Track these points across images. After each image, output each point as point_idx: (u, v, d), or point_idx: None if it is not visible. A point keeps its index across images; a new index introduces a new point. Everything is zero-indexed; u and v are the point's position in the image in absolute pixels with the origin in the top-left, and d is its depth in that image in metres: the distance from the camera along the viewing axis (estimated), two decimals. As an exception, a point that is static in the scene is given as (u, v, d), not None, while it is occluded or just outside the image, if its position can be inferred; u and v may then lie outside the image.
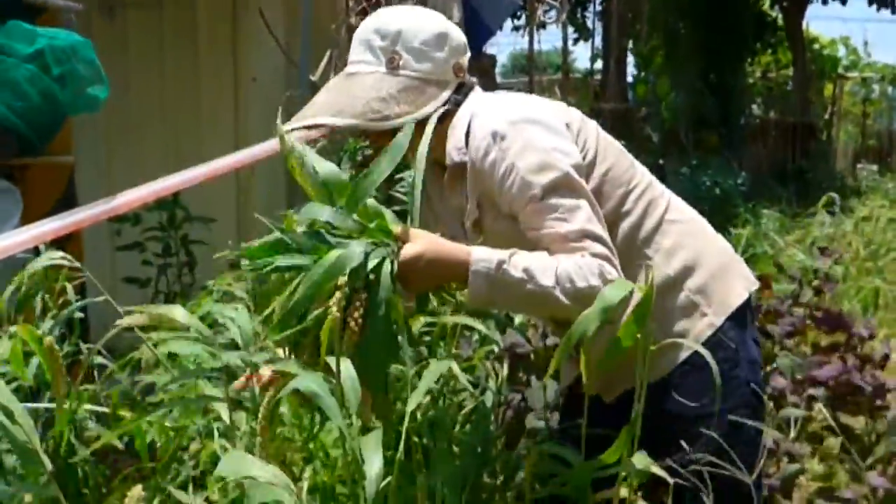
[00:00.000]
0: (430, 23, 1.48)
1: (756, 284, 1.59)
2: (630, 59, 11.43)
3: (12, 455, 1.74)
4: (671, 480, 1.20)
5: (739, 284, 1.55)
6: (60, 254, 1.55)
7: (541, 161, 1.37)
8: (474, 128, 1.42)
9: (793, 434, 2.25)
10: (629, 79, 11.45)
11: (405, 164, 1.48)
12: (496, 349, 1.99)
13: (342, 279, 1.18)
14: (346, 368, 1.16)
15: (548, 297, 1.32)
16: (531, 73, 6.22)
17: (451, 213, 1.54)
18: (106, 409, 2.20)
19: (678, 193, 1.64)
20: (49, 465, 1.25)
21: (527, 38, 6.02)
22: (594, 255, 1.34)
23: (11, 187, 2.81)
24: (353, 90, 1.44)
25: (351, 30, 3.61)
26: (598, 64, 11.04)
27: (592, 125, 1.53)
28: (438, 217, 1.60)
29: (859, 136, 16.23)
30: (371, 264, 1.23)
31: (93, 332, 3.49)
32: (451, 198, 1.52)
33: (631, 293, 1.16)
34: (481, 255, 1.33)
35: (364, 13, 3.66)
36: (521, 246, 1.39)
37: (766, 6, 13.83)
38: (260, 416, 1.22)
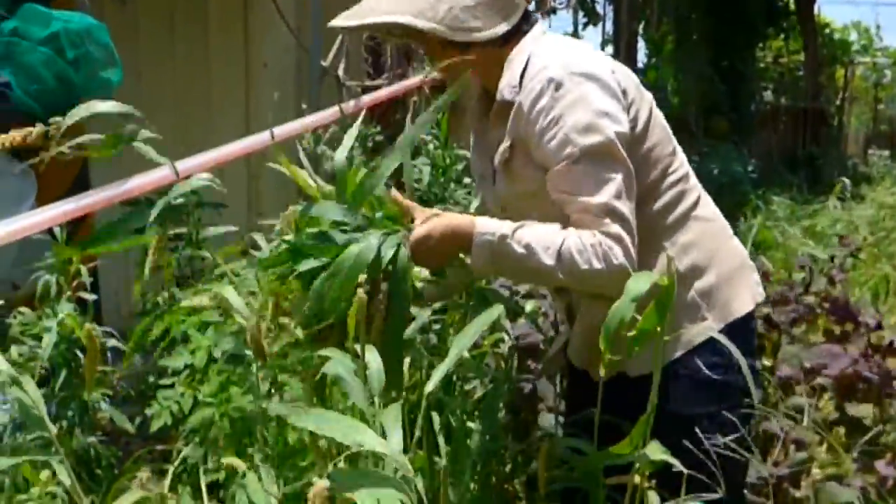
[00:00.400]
0: None
1: (763, 296, 1.58)
2: (640, 44, 11.36)
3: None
4: (686, 471, 1.20)
5: (746, 293, 1.54)
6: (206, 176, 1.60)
7: (589, 121, 1.34)
8: (532, 68, 1.39)
9: (802, 423, 2.26)
10: (639, 64, 11.38)
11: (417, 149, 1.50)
12: (506, 338, 2.00)
13: (362, 277, 1.22)
14: (372, 354, 1.18)
15: (547, 274, 1.34)
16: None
17: (486, 147, 1.53)
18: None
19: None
20: (54, 430, 1.29)
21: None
22: (608, 234, 1.33)
23: (27, 169, 2.83)
24: None
25: (362, 15, 3.61)
26: (609, 49, 10.98)
27: (648, 98, 1.50)
28: (475, 151, 1.60)
29: (871, 121, 16.11)
30: (388, 254, 1.26)
31: (105, 315, 3.53)
32: (492, 132, 1.50)
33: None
34: (485, 227, 1.35)
35: (376, -1, 3.66)
36: (541, 197, 1.40)
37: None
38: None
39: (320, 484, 0.89)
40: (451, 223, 1.35)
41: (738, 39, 10.74)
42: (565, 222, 1.39)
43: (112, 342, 2.20)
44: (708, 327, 1.44)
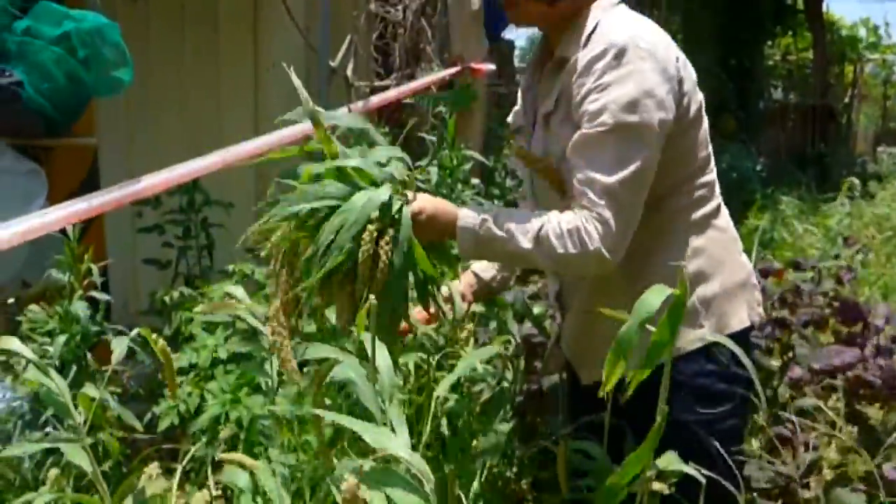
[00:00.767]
0: None
1: (762, 317, 1.60)
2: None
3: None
4: (703, 480, 1.20)
5: (745, 311, 1.55)
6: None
7: (634, 98, 1.35)
8: (602, 28, 1.42)
9: (810, 423, 2.25)
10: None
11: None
12: (513, 340, 2.01)
13: (374, 214, 1.29)
14: (382, 354, 1.20)
15: (527, 258, 1.38)
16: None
17: (532, 102, 1.57)
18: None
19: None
20: (79, 418, 1.32)
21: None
22: (596, 216, 1.34)
23: (37, 168, 2.85)
24: None
25: (371, 16, 3.61)
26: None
27: (699, 98, 1.51)
28: (521, 106, 1.63)
29: (880, 118, 16.02)
30: (395, 204, 1.33)
31: (114, 312, 3.55)
32: (542, 86, 1.53)
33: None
34: (467, 213, 1.40)
35: (383, 0, 3.66)
36: (555, 159, 1.44)
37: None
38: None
39: (352, 481, 0.91)
40: (440, 205, 1.41)
41: (746, 37, 10.71)
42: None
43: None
44: (700, 336, 1.44)
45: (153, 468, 1.56)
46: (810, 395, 2.28)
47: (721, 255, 1.53)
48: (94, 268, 2.23)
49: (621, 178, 1.35)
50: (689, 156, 1.48)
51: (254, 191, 3.92)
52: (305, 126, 2.91)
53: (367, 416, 1.13)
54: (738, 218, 5.94)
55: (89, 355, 2.14)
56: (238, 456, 1.48)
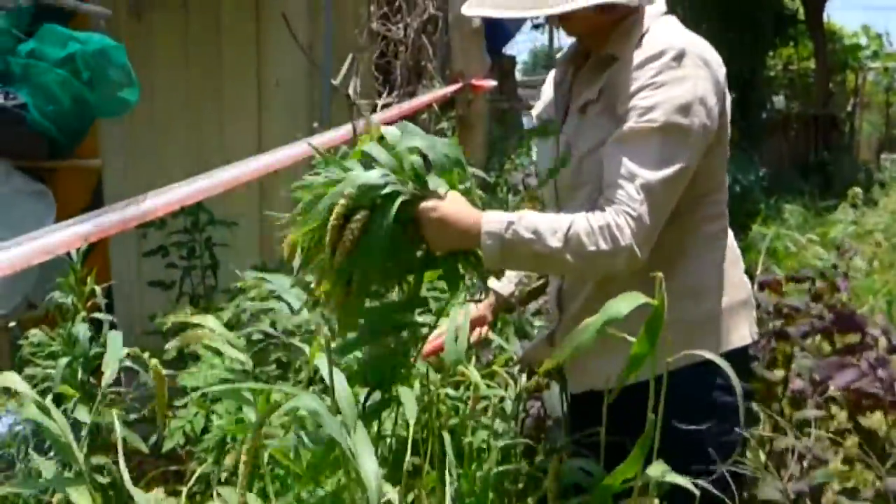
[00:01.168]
0: None
1: (757, 334, 1.60)
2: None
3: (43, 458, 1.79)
4: (697, 492, 1.21)
5: (746, 328, 1.57)
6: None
7: (687, 102, 1.37)
8: (656, 31, 1.44)
9: (814, 435, 2.24)
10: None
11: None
12: (514, 356, 2.01)
13: (349, 190, 1.29)
14: (342, 385, 1.21)
15: (556, 258, 1.35)
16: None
17: (563, 96, 1.57)
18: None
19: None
20: (82, 459, 1.31)
21: (547, 34, 6.01)
22: (631, 212, 1.33)
23: (45, 189, 2.87)
24: None
25: (373, 34, 3.64)
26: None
27: (728, 118, 1.53)
28: (553, 100, 1.63)
29: (883, 126, 16.01)
30: (384, 191, 1.31)
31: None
32: (579, 82, 1.54)
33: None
34: (492, 216, 1.37)
35: (386, 18, 3.68)
36: (597, 155, 1.42)
37: (787, -1, 13.68)
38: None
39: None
40: (462, 208, 1.36)
41: (746, 47, 10.73)
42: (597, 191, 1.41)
43: (126, 362, 2.21)
44: (705, 350, 1.45)
45: (157, 493, 1.56)
46: (812, 407, 2.28)
47: (728, 273, 1.55)
48: (98, 289, 2.24)
49: (663, 177, 1.36)
50: (714, 171, 1.50)
51: (257, 209, 3.93)
52: (307, 145, 2.93)
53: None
54: (742, 228, 5.95)
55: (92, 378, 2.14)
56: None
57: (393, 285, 1.44)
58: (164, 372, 2.41)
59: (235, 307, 2.49)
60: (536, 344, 1.74)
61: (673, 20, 1.50)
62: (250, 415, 1.46)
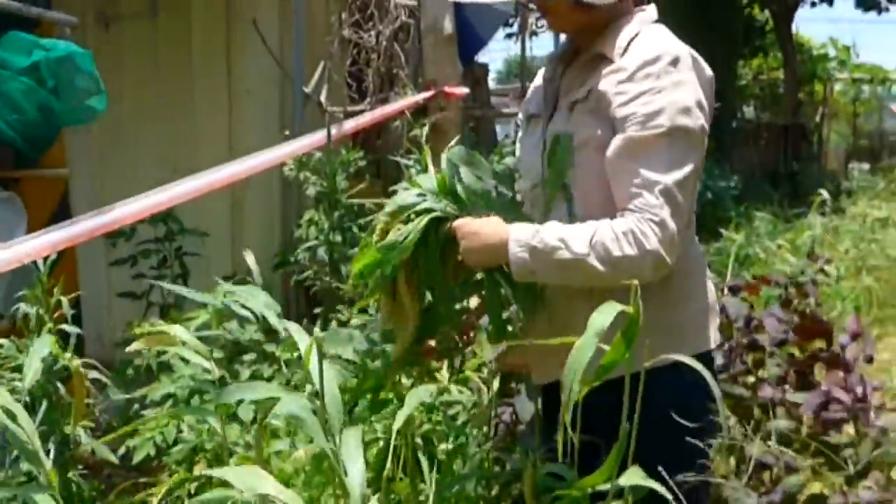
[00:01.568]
0: None
1: (719, 339, 1.63)
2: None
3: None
4: (669, 496, 1.21)
5: (713, 332, 1.59)
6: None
7: (688, 105, 1.39)
8: (647, 36, 1.46)
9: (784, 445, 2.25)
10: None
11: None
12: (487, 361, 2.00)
13: (391, 208, 1.46)
14: (330, 387, 1.20)
15: (583, 264, 1.35)
16: (523, 80, 6.24)
17: (553, 92, 1.58)
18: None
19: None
20: (49, 465, 1.29)
21: (519, 44, 6.04)
22: (653, 217, 1.34)
23: (12, 195, 2.82)
24: None
25: (344, 42, 3.63)
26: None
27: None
28: (541, 94, 1.64)
29: (850, 136, 16.30)
30: (418, 207, 1.45)
31: (87, 345, 3.50)
32: (567, 78, 1.56)
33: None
34: (520, 226, 1.41)
35: (357, 25, 3.68)
36: (583, 150, 1.45)
37: (756, 11, 13.89)
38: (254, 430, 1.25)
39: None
40: (492, 223, 1.43)
41: (717, 58, 10.85)
42: (588, 189, 1.44)
43: (93, 374, 2.18)
44: (676, 352, 1.45)
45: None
46: (783, 416, 2.28)
47: (699, 278, 1.58)
48: (65, 300, 2.20)
49: (677, 180, 1.37)
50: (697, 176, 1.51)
51: (228, 219, 3.90)
52: (280, 152, 2.92)
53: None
54: (713, 235, 6.01)
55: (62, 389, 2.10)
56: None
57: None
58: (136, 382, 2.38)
59: (207, 314, 2.46)
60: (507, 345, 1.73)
61: (663, 28, 1.52)
62: (216, 425, 1.45)
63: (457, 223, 1.44)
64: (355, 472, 1.10)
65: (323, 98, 3.52)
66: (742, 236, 5.70)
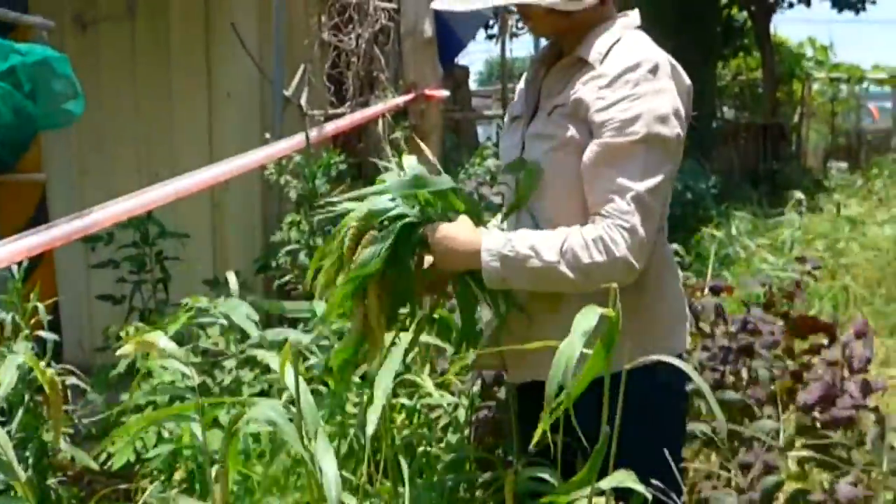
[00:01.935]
0: None
1: (689, 343, 1.66)
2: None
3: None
4: (649, 496, 1.22)
5: (685, 335, 1.62)
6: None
7: (666, 114, 1.41)
8: (628, 42, 1.48)
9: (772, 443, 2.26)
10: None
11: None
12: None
13: (359, 215, 1.42)
14: (305, 394, 1.19)
15: (554, 272, 1.37)
16: (504, 82, 6.26)
17: (534, 92, 1.60)
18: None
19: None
20: (23, 476, 1.27)
21: (500, 45, 6.06)
22: (624, 224, 1.36)
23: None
24: None
25: (323, 45, 3.62)
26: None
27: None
28: (523, 94, 1.65)
29: (829, 134, 16.45)
30: (391, 213, 1.43)
31: (67, 350, 3.47)
32: (548, 80, 1.57)
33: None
34: (491, 235, 1.42)
35: (337, 28, 3.68)
36: (560, 150, 1.46)
37: (735, 11, 14.00)
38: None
39: None
40: (464, 229, 1.45)
41: (696, 59, 10.93)
42: (563, 191, 1.45)
43: (72, 380, 2.16)
44: (648, 354, 1.46)
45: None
46: (770, 414, 2.29)
47: (672, 282, 1.60)
48: (41, 306, 2.18)
49: (650, 187, 1.38)
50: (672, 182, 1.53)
51: (209, 222, 3.88)
52: (260, 155, 2.91)
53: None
54: (693, 235, 6.05)
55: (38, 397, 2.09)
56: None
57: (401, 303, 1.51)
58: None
59: (187, 320, 2.45)
60: (483, 346, 1.73)
61: (644, 35, 1.54)
62: (197, 430, 1.44)
63: (429, 227, 1.44)
64: (331, 477, 1.10)
65: (303, 101, 3.51)
66: (720, 234, 5.74)
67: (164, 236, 3.22)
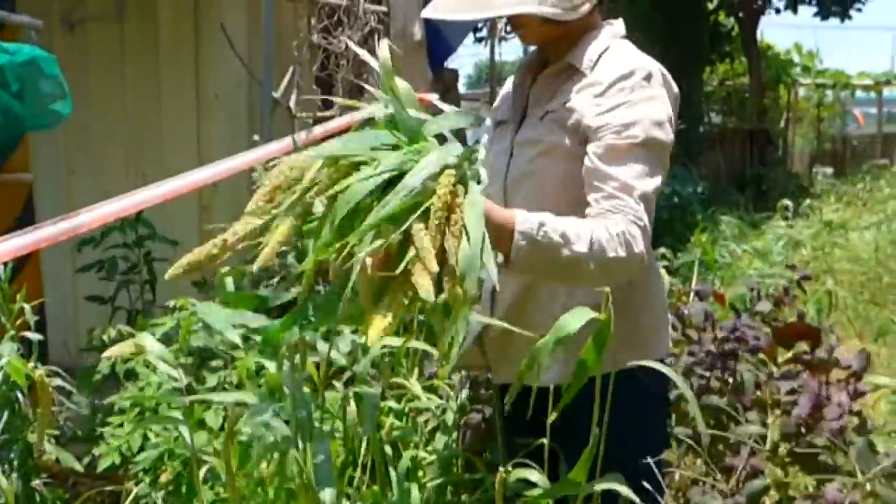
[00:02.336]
0: None
1: (670, 347, 1.68)
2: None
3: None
4: (637, 500, 1.23)
5: (667, 339, 1.65)
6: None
7: (661, 120, 1.44)
8: (617, 51, 1.51)
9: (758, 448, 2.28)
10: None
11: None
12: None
13: (452, 160, 1.07)
14: (300, 393, 1.19)
15: (577, 264, 1.32)
16: (493, 85, 6.28)
17: (521, 98, 1.61)
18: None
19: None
20: (5, 483, 1.26)
21: (489, 49, 6.07)
22: (637, 220, 1.36)
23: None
24: None
25: (313, 48, 3.62)
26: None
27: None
28: (511, 100, 1.65)
29: (815, 140, 16.56)
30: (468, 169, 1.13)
31: (52, 350, 3.45)
32: (538, 87, 1.58)
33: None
34: (523, 216, 1.31)
35: (327, 31, 3.68)
36: (549, 155, 1.47)
37: (721, 17, 14.09)
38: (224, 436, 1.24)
39: None
40: (503, 211, 1.32)
41: (684, 65, 10.99)
42: (545, 196, 1.45)
43: (58, 381, 2.15)
44: (633, 359, 1.46)
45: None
46: (754, 419, 2.31)
47: (657, 285, 1.63)
48: (27, 307, 2.17)
49: (652, 189, 1.41)
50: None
51: (197, 224, 3.87)
52: (248, 157, 2.90)
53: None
54: (680, 240, 6.08)
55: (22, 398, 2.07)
56: None
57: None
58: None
59: (175, 321, 2.45)
60: (467, 347, 1.73)
61: (630, 44, 1.57)
62: (185, 432, 1.44)
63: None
64: (325, 481, 1.11)
65: (292, 103, 3.50)
66: (707, 240, 5.78)
67: (153, 238, 3.21)
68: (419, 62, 3.78)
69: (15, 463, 1.99)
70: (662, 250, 3.39)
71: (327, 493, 1.12)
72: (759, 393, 2.38)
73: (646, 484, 1.42)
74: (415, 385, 1.78)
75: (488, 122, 1.75)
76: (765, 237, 6.42)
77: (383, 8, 3.95)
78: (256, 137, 3.41)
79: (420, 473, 1.76)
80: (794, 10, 14.24)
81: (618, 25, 1.59)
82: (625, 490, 1.21)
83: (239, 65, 3.65)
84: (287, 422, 1.19)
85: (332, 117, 3.63)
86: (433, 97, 3.87)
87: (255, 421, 1.18)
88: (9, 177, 3.01)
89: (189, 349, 2.39)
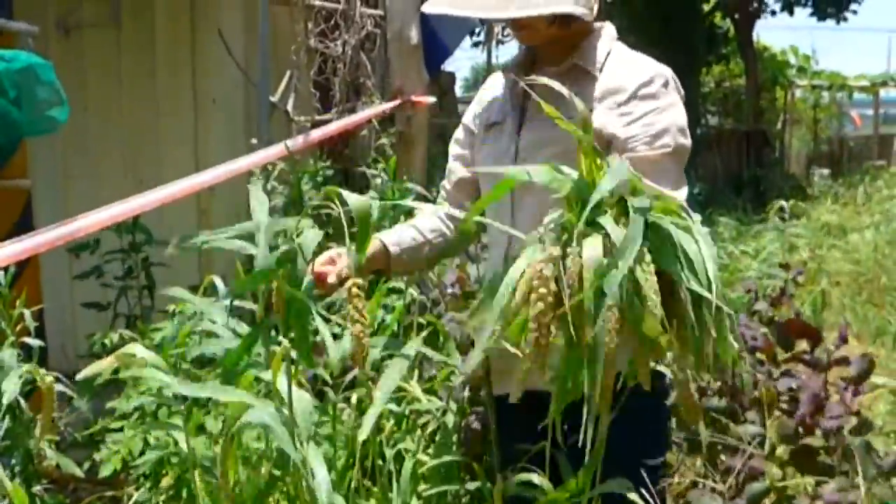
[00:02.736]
0: None
1: None
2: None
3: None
4: (640, 502, 1.23)
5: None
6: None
7: (684, 126, 1.49)
8: (622, 56, 1.54)
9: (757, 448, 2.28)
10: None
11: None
12: (457, 371, 2.02)
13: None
14: (300, 395, 1.19)
15: None
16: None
17: (516, 103, 1.61)
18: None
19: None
20: (9, 485, 1.27)
21: (486, 52, 6.09)
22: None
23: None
24: None
25: (310, 52, 3.63)
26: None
27: None
28: (507, 102, 1.64)
29: (811, 141, 16.59)
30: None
31: (52, 356, 3.45)
32: (541, 91, 1.53)
33: None
34: None
35: (323, 35, 3.68)
36: (562, 157, 1.42)
37: (718, 19, 14.13)
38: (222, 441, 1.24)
39: None
40: None
41: (680, 66, 10.99)
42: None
43: (58, 387, 2.15)
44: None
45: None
46: (753, 419, 2.31)
47: None
48: (27, 313, 2.17)
49: (684, 196, 1.44)
50: None
51: (195, 229, 3.86)
52: (246, 161, 2.90)
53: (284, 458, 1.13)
54: (677, 241, 6.07)
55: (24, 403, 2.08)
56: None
57: None
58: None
59: (173, 326, 2.44)
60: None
61: (615, 36, 1.58)
62: (180, 438, 1.44)
63: None
64: (323, 484, 1.11)
65: (289, 107, 3.51)
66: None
67: (151, 243, 3.21)
68: (416, 65, 3.79)
69: (16, 469, 1.99)
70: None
71: (325, 497, 1.12)
72: (756, 393, 2.38)
73: (647, 485, 1.42)
74: (415, 388, 1.78)
75: (470, 125, 1.73)
76: (762, 238, 6.42)
77: (380, 11, 3.96)
78: (254, 141, 3.41)
79: (420, 476, 1.76)
80: (790, 12, 14.29)
81: (609, 27, 1.60)
82: (631, 495, 1.21)
83: (236, 69, 3.65)
84: (285, 424, 1.18)
85: (329, 121, 3.63)
86: (430, 100, 3.88)
87: (254, 423, 1.18)
88: (7, 182, 3.01)
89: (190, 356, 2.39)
